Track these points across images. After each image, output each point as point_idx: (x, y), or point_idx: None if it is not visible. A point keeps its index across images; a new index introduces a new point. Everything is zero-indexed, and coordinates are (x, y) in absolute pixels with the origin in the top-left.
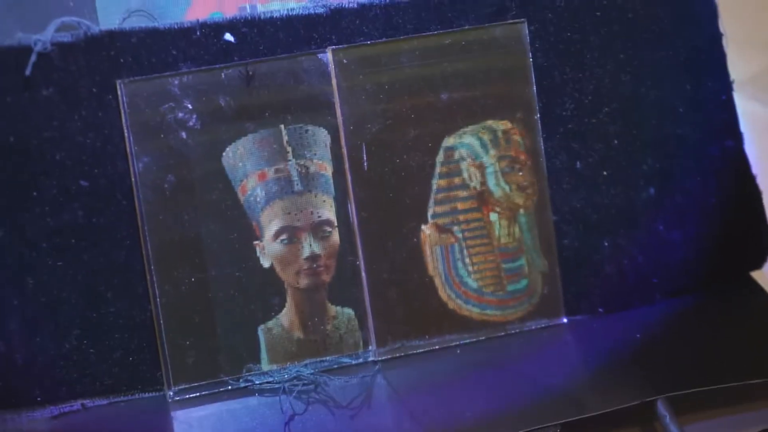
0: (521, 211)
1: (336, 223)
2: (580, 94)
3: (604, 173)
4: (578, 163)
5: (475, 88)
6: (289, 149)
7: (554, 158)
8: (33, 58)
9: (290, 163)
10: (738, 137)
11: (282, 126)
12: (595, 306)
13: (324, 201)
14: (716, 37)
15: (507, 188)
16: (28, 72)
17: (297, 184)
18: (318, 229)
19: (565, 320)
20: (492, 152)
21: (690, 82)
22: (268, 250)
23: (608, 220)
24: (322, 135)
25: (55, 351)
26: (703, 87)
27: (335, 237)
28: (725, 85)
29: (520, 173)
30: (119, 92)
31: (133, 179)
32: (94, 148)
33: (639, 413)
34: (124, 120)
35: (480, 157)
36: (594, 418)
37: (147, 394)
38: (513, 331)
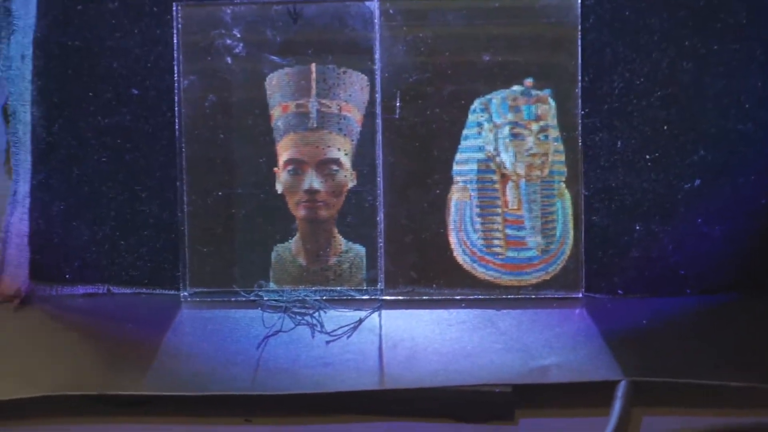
0: (524, 180)
1: (345, 163)
2: (632, 74)
3: (647, 157)
4: (619, 142)
5: (518, 54)
6: (314, 87)
7: (594, 134)
8: None
9: (312, 100)
10: None
11: (313, 64)
12: (615, 287)
13: (336, 140)
14: None
15: (512, 155)
16: None
17: (313, 121)
18: (323, 166)
19: (580, 295)
20: (509, 117)
21: (761, 79)
22: (281, 178)
23: (644, 205)
24: (358, 79)
25: (89, 237)
26: None
27: (341, 176)
28: None
29: (528, 142)
30: (175, 13)
31: (177, 94)
32: (148, 61)
33: (604, 393)
34: (176, 39)
35: (497, 121)
36: (553, 387)
37: (165, 291)
38: (524, 297)
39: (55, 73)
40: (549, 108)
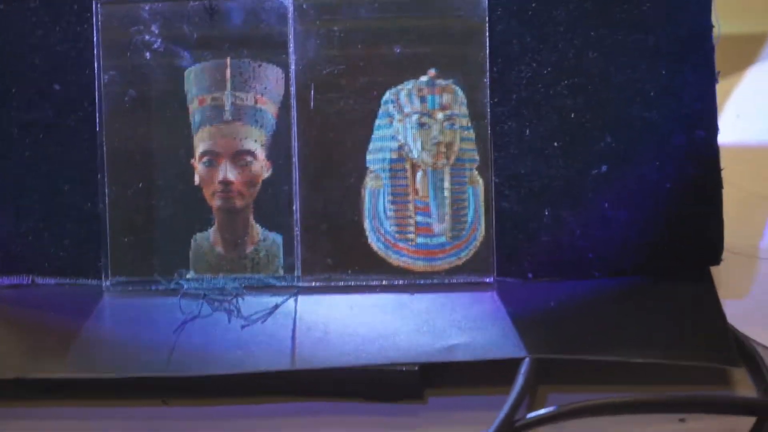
0: (431, 168)
1: (260, 154)
2: (538, 64)
3: (555, 144)
4: (527, 131)
5: (428, 45)
6: (229, 80)
7: (503, 123)
8: None
9: (227, 93)
10: (712, 129)
11: (228, 58)
12: (525, 271)
13: (251, 132)
14: (706, 28)
15: (419, 144)
16: None
17: (227, 114)
18: (238, 157)
19: (491, 279)
20: (417, 107)
21: (667, 69)
22: (198, 170)
23: (552, 191)
24: (273, 72)
25: (14, 230)
26: (682, 75)
27: (256, 167)
28: (707, 76)
29: (434, 131)
30: (95, 12)
31: (97, 89)
32: (69, 57)
33: (510, 371)
34: (95, 37)
35: (406, 110)
36: (459, 365)
37: (88, 281)
38: (437, 282)
39: None
40: (455, 97)
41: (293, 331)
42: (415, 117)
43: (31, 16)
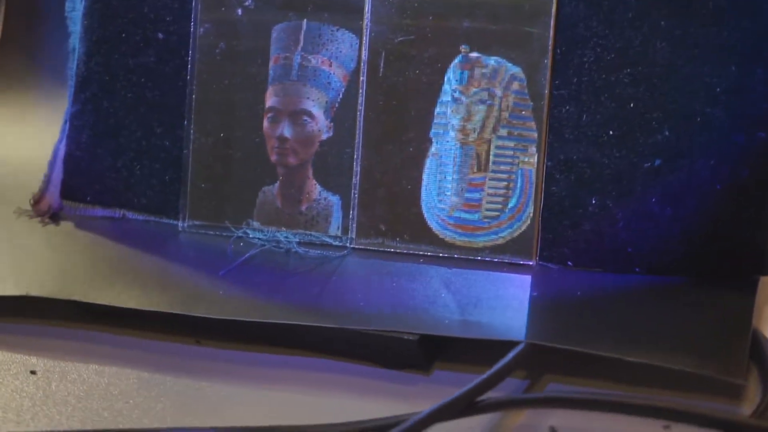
0: (470, 146)
1: (318, 115)
2: (603, 49)
3: (611, 132)
4: (585, 116)
5: (496, 22)
6: (302, 41)
7: (561, 107)
8: None
9: (297, 53)
10: None
11: (304, 21)
12: (565, 258)
13: (312, 93)
14: None
15: (455, 120)
16: None
17: (294, 73)
18: (296, 116)
19: (533, 263)
20: (454, 82)
21: (737, 65)
22: (264, 125)
23: (602, 180)
24: (349, 38)
25: (110, 164)
26: (751, 73)
27: (313, 127)
28: None
29: (460, 107)
30: None
31: (192, 40)
32: (173, 8)
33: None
34: None
35: (451, 85)
36: (473, 342)
37: (170, 221)
38: (479, 258)
39: (98, 14)
40: (493, 73)
41: (324, 289)
42: (453, 92)
43: None
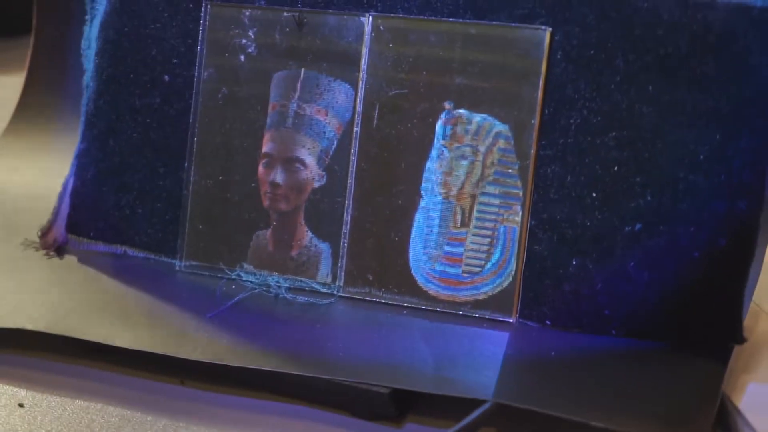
0: (467, 203)
1: (310, 163)
2: (589, 112)
3: (594, 194)
4: (569, 177)
5: (487, 81)
6: (299, 90)
7: (547, 166)
8: None
9: (293, 102)
10: (756, 202)
11: (302, 69)
12: (544, 317)
13: (306, 141)
14: None
15: (460, 177)
16: None
17: (289, 121)
18: (289, 162)
19: (513, 320)
20: (441, 137)
21: (721, 132)
22: (258, 170)
23: (583, 241)
24: (343, 88)
25: (114, 202)
26: (735, 140)
27: (305, 175)
28: (763, 145)
29: (445, 161)
30: (204, 11)
31: (196, 84)
32: (179, 52)
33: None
34: (202, 34)
35: (445, 141)
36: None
37: (168, 259)
38: (460, 313)
39: (109, 54)
40: (477, 130)
41: (307, 336)
42: (438, 147)
43: (153, 10)
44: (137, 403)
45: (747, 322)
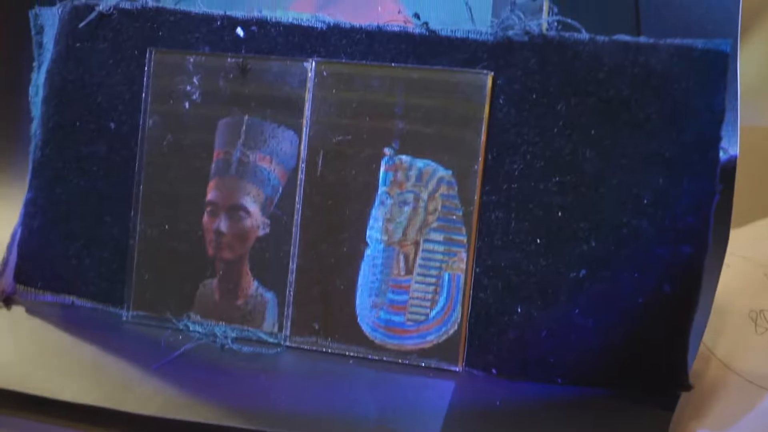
0: (411, 250)
1: (254, 211)
2: (533, 157)
3: (538, 241)
4: (513, 223)
5: (430, 126)
6: (243, 137)
7: (491, 212)
8: (92, 15)
9: (237, 149)
10: (700, 246)
11: (246, 116)
12: (490, 365)
13: (249, 189)
14: (713, 138)
15: (402, 223)
16: (80, 25)
17: (232, 169)
18: (233, 211)
19: (459, 369)
20: (400, 184)
21: (665, 177)
22: (203, 218)
23: (528, 288)
24: (287, 135)
25: (61, 251)
26: (678, 184)
27: (248, 222)
28: (707, 189)
29: (386, 208)
30: (148, 58)
31: (142, 131)
32: (125, 99)
33: None
34: (146, 81)
35: (387, 187)
36: None
37: (116, 309)
38: (406, 363)
39: (55, 101)
40: (419, 176)
41: (254, 387)
42: (381, 193)
43: (99, 57)
44: None
45: (696, 366)
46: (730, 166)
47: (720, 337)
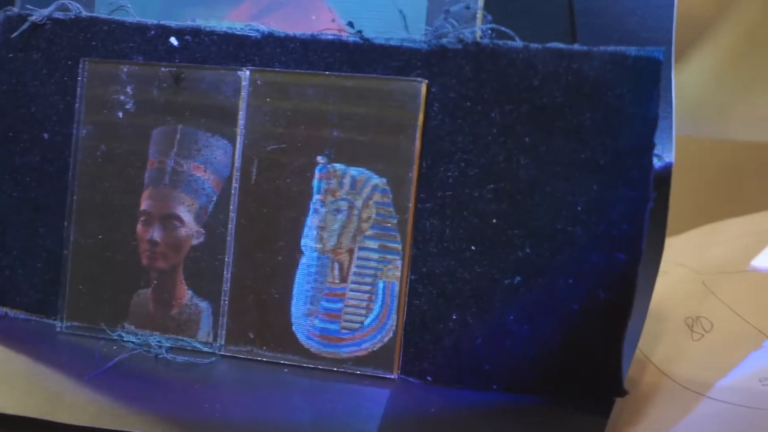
0: (328, 255)
1: (188, 221)
2: (467, 164)
3: (473, 248)
4: (448, 230)
5: (364, 134)
6: (176, 147)
7: (425, 220)
8: (25, 26)
9: (170, 159)
10: (635, 253)
11: (179, 126)
12: (425, 373)
13: (183, 198)
14: (646, 145)
15: (336, 231)
16: (13, 35)
17: (166, 178)
18: (167, 220)
19: (394, 376)
20: (333, 192)
21: (599, 184)
22: (137, 228)
23: (463, 295)
24: (221, 144)
25: None
26: (613, 192)
27: (183, 232)
28: (641, 196)
29: (319, 216)
30: (81, 68)
31: (75, 141)
32: (59, 109)
33: None
34: (79, 91)
35: (320, 195)
36: None
37: (50, 321)
38: (342, 370)
39: None
40: (352, 183)
41: (187, 397)
42: (314, 201)
43: (32, 67)
44: None
45: (632, 372)
46: (666, 174)
47: (656, 343)
